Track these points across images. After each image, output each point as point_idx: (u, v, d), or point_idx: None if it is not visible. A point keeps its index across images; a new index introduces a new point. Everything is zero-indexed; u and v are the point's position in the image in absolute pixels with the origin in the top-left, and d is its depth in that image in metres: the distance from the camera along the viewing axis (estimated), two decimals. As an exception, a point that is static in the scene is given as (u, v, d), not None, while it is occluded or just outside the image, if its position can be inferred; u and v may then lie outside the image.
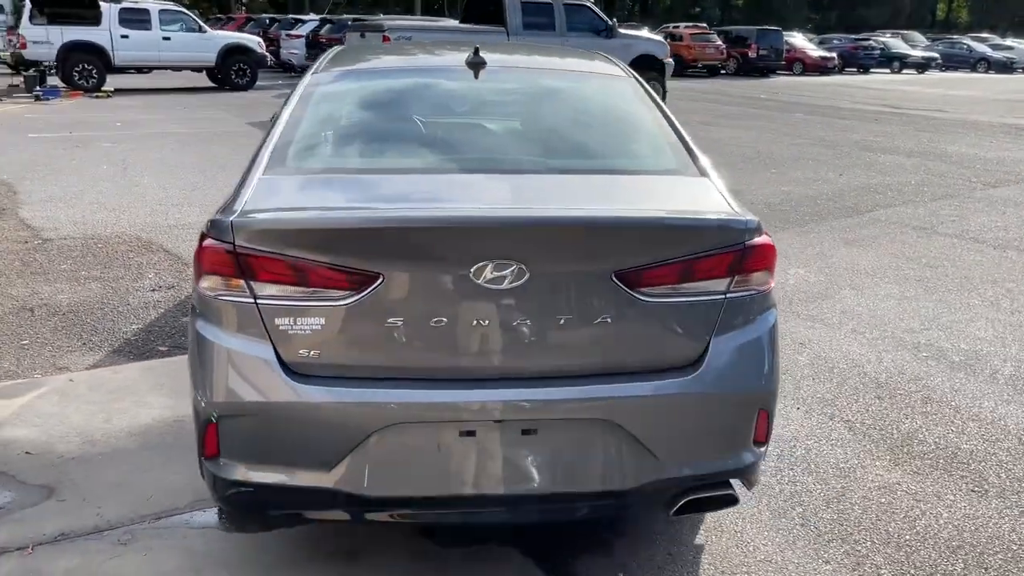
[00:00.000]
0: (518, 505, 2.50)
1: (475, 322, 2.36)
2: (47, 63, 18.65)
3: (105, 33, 19.28)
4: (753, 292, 2.56)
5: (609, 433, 2.43)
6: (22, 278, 5.75)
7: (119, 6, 19.68)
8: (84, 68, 18.68)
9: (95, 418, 3.72)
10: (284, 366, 2.38)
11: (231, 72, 20.80)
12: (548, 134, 3.22)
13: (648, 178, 2.88)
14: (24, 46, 18.53)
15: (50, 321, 4.98)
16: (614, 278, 2.40)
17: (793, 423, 3.95)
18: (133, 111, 15.25)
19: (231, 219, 2.37)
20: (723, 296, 2.51)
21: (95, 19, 19.26)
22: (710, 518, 3.13)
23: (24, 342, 4.68)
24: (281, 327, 2.37)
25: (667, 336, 2.47)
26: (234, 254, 2.36)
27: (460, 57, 3.40)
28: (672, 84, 19.52)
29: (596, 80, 3.60)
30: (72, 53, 18.68)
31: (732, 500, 2.65)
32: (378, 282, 2.33)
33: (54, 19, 18.84)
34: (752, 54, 32.44)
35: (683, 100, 20.11)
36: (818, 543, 3.04)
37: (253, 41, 21.92)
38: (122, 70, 20.10)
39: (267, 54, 22.52)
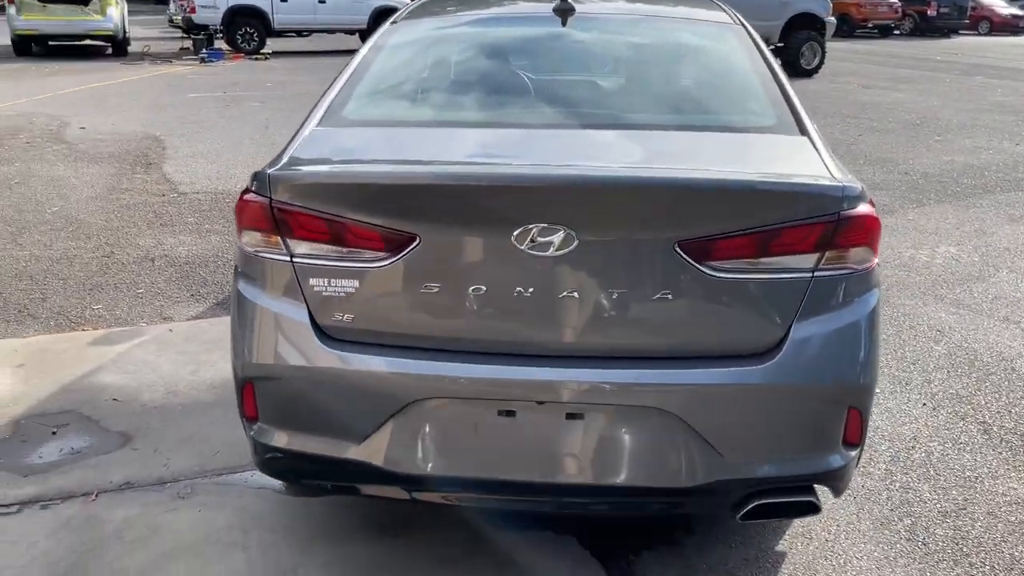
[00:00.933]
0: (558, 495, 2.27)
1: (517, 292, 2.13)
2: (214, 27, 19.60)
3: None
4: (848, 271, 2.20)
5: (665, 424, 2.15)
6: (151, 229, 5.99)
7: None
8: (247, 31, 19.51)
9: (183, 369, 3.77)
10: (318, 329, 2.25)
11: (382, 34, 21.15)
12: (631, 86, 2.92)
13: (737, 136, 2.54)
14: (193, 11, 19.52)
15: (166, 271, 5.15)
16: (677, 249, 2.11)
17: (916, 421, 3.49)
18: (284, 73, 15.78)
19: (268, 172, 2.25)
20: (810, 274, 2.16)
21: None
22: (797, 522, 2.79)
23: (139, 290, 4.85)
24: (316, 288, 2.23)
25: (739, 318, 2.16)
26: (270, 208, 2.24)
27: (548, 4, 3.14)
28: (836, 45, 18.25)
29: (696, 28, 3.24)
30: (236, 17, 19.52)
31: (813, 508, 2.32)
32: (414, 244, 2.15)
33: None
34: (931, 12, 29.77)
35: (844, 61, 18.76)
36: (926, 562, 2.65)
37: (403, 3, 22.21)
38: (281, 33, 20.86)
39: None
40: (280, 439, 2.34)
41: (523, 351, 2.18)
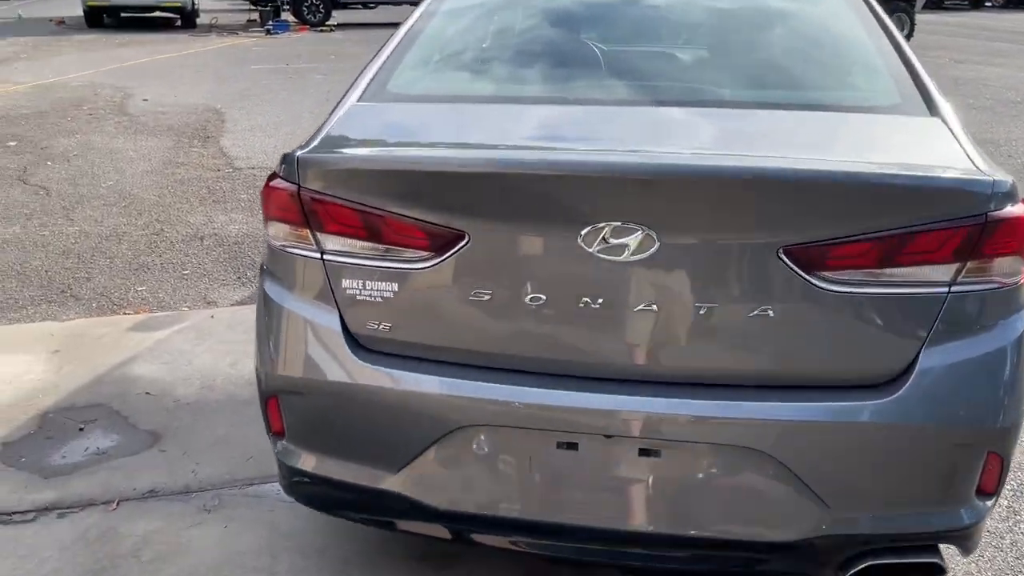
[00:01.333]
0: (623, 545, 1.92)
1: (583, 303, 1.78)
2: (280, -2, 19.50)
3: (332, -32, 19.80)
4: (993, 286, 1.78)
5: (758, 465, 1.78)
6: (203, 206, 5.79)
7: (345, -59, 20.14)
8: (312, 3, 19.33)
9: (222, 361, 3.52)
10: (351, 338, 1.93)
11: (450, 5, 20.78)
12: (723, 58, 2.50)
13: (854, 116, 2.12)
14: (260, -18, 19.44)
15: (214, 251, 4.93)
16: (782, 255, 1.72)
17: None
18: (349, 45, 15.54)
19: (298, 154, 1.93)
20: (945, 289, 1.76)
21: (324, -46, 19.82)
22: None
23: (185, 271, 4.64)
24: (349, 291, 1.91)
25: (855, 341, 1.77)
26: (299, 197, 1.92)
27: None
28: (924, 17, 17.24)
29: None
30: (302, -12, 19.37)
31: (937, 571, 1.92)
32: (462, 243, 1.81)
33: None
34: (1028, -18, 28.09)
35: (934, 34, 17.71)
36: (1061, 626, 2.23)
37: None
38: (346, 5, 20.64)
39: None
40: (307, 461, 2.04)
41: (589, 373, 1.83)
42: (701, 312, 1.76)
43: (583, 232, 1.73)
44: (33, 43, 15.08)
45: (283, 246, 2.00)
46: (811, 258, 1.73)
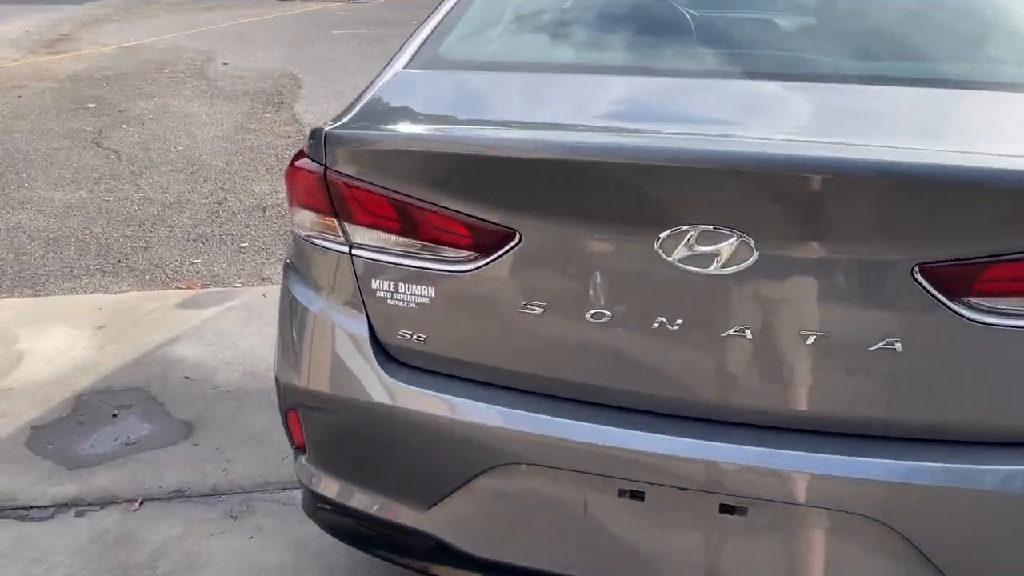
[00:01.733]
0: None
1: (658, 323, 1.43)
2: (367, -38, 19.31)
3: (421, -69, 19.51)
4: None
5: (875, 540, 1.41)
6: (269, 175, 5.60)
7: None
8: (400, -33, 19.08)
9: (268, 345, 3.29)
10: (380, 349, 1.64)
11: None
12: (852, 21, 2.06)
13: (1013, 96, 1.69)
14: (348, -55, 19.28)
15: (276, 223, 4.72)
16: (918, 275, 1.34)
17: None
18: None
19: (326, 129, 1.63)
20: None
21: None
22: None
23: (244, 244, 4.44)
24: (380, 293, 1.61)
25: (1011, 388, 1.38)
26: (325, 180, 1.62)
27: None
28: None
29: None
30: (390, -48, 19.13)
31: None
32: (513, 243, 1.48)
33: None
34: None
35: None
36: None
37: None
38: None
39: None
40: (328, 487, 1.76)
41: (664, 410, 1.49)
42: (808, 342, 1.39)
43: (662, 236, 1.39)
44: (125, 5, 15.26)
45: (308, 237, 1.71)
46: (956, 280, 1.34)
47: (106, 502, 2.43)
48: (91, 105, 7.46)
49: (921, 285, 1.34)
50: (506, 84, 1.86)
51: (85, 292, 3.85)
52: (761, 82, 1.73)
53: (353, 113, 1.71)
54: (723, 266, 1.38)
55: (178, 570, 2.18)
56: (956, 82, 1.72)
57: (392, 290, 1.60)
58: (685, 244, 1.38)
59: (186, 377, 3.07)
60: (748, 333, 1.40)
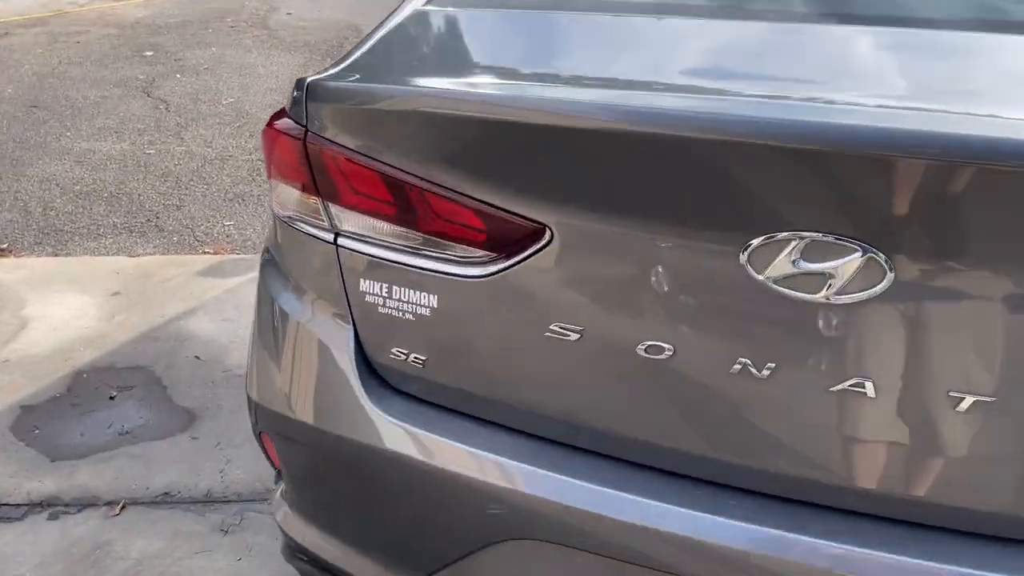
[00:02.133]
0: None
1: (738, 365, 1.01)
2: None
3: None
4: None
5: None
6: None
7: None
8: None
9: (291, 323, 2.96)
10: (367, 370, 1.26)
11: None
12: None
13: None
14: None
15: (318, 185, 4.39)
16: None
17: None
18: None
19: (309, 79, 1.24)
20: None
21: None
22: None
23: (282, 207, 4.12)
24: (370, 298, 1.23)
25: None
26: (304, 146, 1.23)
27: None
28: None
29: None
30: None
31: None
32: (543, 243, 1.07)
33: None
34: None
35: None
36: None
37: None
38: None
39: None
40: (301, 532, 1.40)
41: (742, 484, 1.07)
42: (962, 406, 0.95)
43: (752, 244, 0.96)
44: (198, -47, 15.10)
45: (287, 219, 1.33)
46: None
47: (85, 504, 2.14)
48: (148, 53, 7.24)
49: None
50: (557, 29, 1.42)
51: (107, 253, 3.59)
52: (893, 30, 1.25)
53: (350, 61, 1.31)
54: (840, 292, 0.95)
55: (152, 593, 1.88)
56: None
57: (386, 295, 1.21)
58: (786, 257, 0.95)
59: (196, 357, 2.76)
60: (870, 389, 0.97)
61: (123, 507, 2.13)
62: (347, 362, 1.26)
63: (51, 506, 2.13)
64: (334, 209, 1.24)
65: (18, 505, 2.13)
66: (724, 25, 1.33)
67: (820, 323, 0.97)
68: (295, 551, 1.44)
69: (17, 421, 2.44)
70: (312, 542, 1.38)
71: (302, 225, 1.30)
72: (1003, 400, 0.94)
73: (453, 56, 1.40)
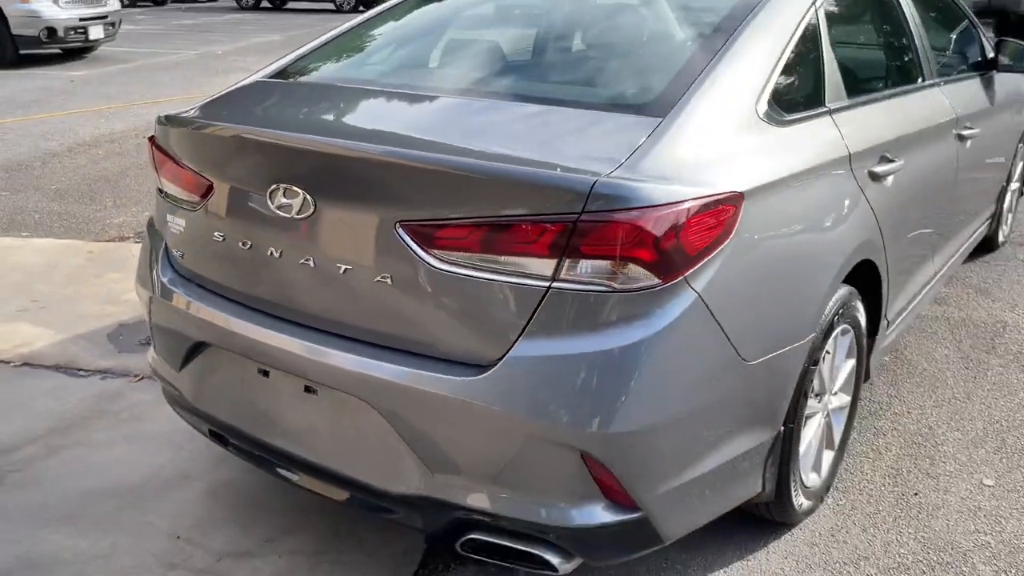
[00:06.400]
0: (299, 467, 2.20)
1: (270, 252, 2.11)
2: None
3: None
4: (600, 288, 1.76)
5: (371, 417, 1.97)
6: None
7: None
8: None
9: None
10: (167, 259, 2.46)
11: None
12: (566, 53, 2.53)
13: (583, 112, 2.09)
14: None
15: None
16: (399, 229, 1.89)
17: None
18: None
19: (159, 115, 2.49)
20: (546, 284, 1.79)
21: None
22: None
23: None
24: (170, 225, 2.44)
25: (457, 319, 1.87)
26: (152, 145, 2.48)
27: None
28: None
29: None
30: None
31: (546, 565, 1.93)
32: (212, 191, 2.24)
33: None
34: None
35: None
36: None
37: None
38: None
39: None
40: (151, 358, 2.62)
41: (276, 313, 2.16)
42: (341, 272, 1.99)
43: (270, 189, 2.06)
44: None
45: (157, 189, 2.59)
46: (422, 235, 1.87)
47: (122, 374, 3.51)
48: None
49: (400, 236, 1.88)
50: (284, 91, 2.58)
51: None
52: (407, 94, 2.33)
53: (183, 110, 2.53)
54: (298, 212, 2.02)
55: (128, 418, 3.18)
56: (567, 101, 2.16)
57: (172, 223, 2.41)
58: (280, 195, 2.04)
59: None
60: (311, 262, 2.03)
61: (140, 378, 3.48)
62: (160, 254, 2.47)
63: (104, 373, 3.52)
64: (161, 180, 2.47)
65: (89, 371, 3.55)
66: (346, 90, 2.45)
67: (293, 230, 2.05)
68: (154, 374, 2.65)
69: (114, 331, 3.91)
70: (153, 361, 2.59)
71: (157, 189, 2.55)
72: (355, 268, 1.96)
73: (230, 105, 2.56)
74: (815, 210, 2.22)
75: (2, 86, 10.44)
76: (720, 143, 1.99)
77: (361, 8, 22.07)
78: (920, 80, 3.11)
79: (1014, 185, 4.80)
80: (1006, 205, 4.68)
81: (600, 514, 1.86)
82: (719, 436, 2.00)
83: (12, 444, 3.00)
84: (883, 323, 2.81)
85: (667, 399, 1.83)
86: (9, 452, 2.95)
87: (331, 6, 23.58)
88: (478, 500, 1.92)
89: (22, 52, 11.91)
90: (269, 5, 24.84)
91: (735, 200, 1.89)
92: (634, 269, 1.75)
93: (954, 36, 3.88)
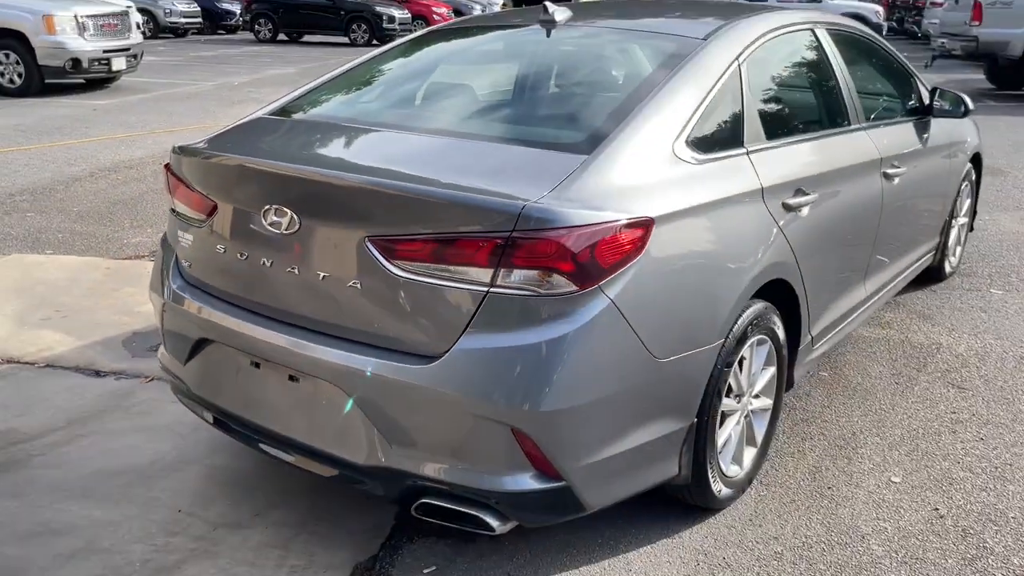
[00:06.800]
0: (285, 445, 2.59)
1: (262, 262, 2.52)
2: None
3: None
4: (528, 293, 2.17)
5: (341, 398, 2.37)
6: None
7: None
8: None
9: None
10: (177, 268, 2.87)
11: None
12: (509, 97, 2.99)
13: (522, 149, 2.52)
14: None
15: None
16: (367, 243, 2.30)
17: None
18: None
19: (174, 145, 2.92)
20: (485, 288, 2.19)
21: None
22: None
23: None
24: (180, 240, 2.85)
25: (413, 317, 2.27)
26: (168, 172, 2.90)
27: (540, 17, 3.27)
28: None
29: (650, 42, 3.06)
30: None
31: (484, 525, 2.31)
32: (216, 211, 2.65)
33: None
34: None
35: None
36: None
37: (870, 10, 20.81)
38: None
39: (884, 23, 21.13)
40: (161, 355, 3.02)
41: (267, 314, 2.56)
42: (320, 278, 2.39)
43: (261, 211, 2.47)
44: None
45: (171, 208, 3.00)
46: (386, 248, 2.27)
47: (135, 375, 3.91)
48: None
49: (368, 249, 2.29)
50: (290, 125, 3.01)
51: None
52: (408, 134, 2.74)
53: (194, 142, 2.97)
54: (286, 229, 2.43)
55: (139, 412, 3.57)
56: (509, 140, 2.60)
57: (183, 238, 2.83)
58: (272, 214, 2.45)
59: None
60: (295, 270, 2.43)
61: (151, 379, 3.87)
62: (171, 265, 2.88)
63: (119, 374, 3.93)
64: (174, 201, 2.89)
65: (105, 372, 3.95)
66: (336, 127, 2.87)
67: (282, 242, 2.45)
68: (162, 369, 3.05)
69: (128, 338, 4.32)
70: (163, 358, 2.99)
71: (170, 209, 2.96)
72: (331, 275, 2.36)
73: (237, 140, 2.99)
74: (725, 234, 2.61)
75: (28, 114, 11.00)
76: (637, 177, 2.39)
77: (374, 42, 22.80)
78: (843, 124, 3.52)
79: (961, 220, 5.18)
80: (952, 239, 5.05)
81: (529, 482, 2.24)
82: (634, 421, 2.38)
83: (37, 432, 3.40)
84: (806, 338, 3.18)
85: (585, 386, 2.21)
86: (35, 438, 3.35)
87: (345, 40, 24.31)
88: (428, 469, 2.30)
89: (47, 81, 12.51)
90: (286, 38, 25.62)
91: (646, 224, 2.29)
92: (556, 278, 2.15)
93: (888, 85, 4.29)
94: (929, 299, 4.92)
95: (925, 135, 4.22)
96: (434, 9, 28.04)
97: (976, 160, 5.13)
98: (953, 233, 5.04)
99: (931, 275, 5.01)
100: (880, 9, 21.14)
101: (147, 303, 4.62)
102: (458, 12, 28.17)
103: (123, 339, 4.31)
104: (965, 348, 4.26)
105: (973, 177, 5.16)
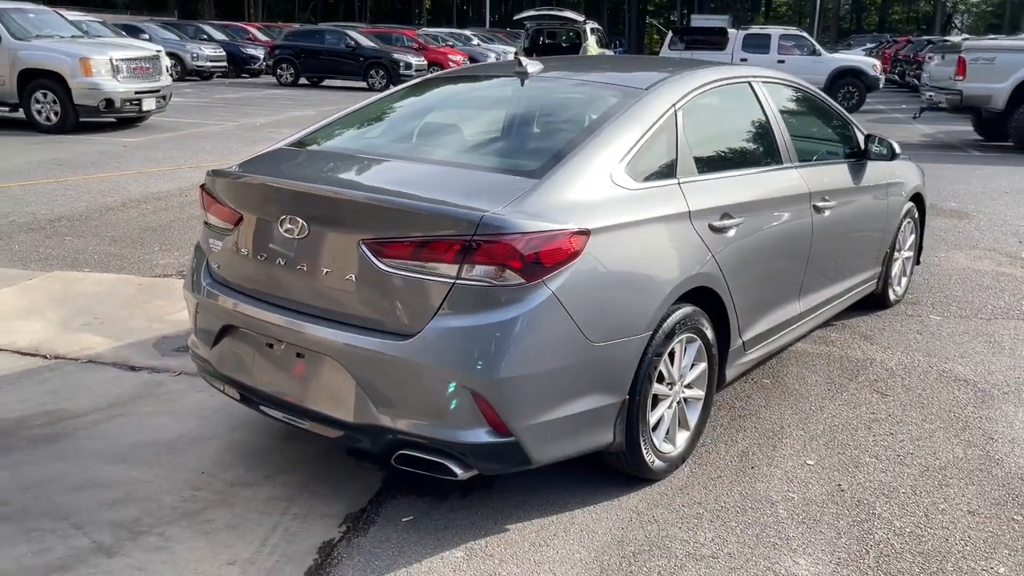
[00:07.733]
0: (295, 411, 3.15)
1: (277, 261, 3.12)
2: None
3: (728, 57, 21.28)
4: (485, 284, 2.75)
5: (340, 371, 2.94)
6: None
7: (745, 32, 21.57)
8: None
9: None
10: (207, 269, 3.49)
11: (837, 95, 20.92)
12: (485, 133, 3.64)
13: (483, 173, 3.18)
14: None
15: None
16: (361, 245, 2.90)
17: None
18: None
19: (208, 169, 3.55)
20: (452, 280, 2.77)
21: (721, 45, 21.47)
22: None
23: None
24: (211, 245, 3.47)
25: (397, 303, 2.86)
26: (202, 191, 3.53)
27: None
28: None
29: (602, 91, 3.69)
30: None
31: (448, 472, 2.86)
32: (241, 221, 3.26)
33: (690, 45, 21.66)
34: None
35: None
36: None
37: (868, 64, 21.57)
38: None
39: (881, 76, 21.87)
40: (190, 340, 3.62)
41: (280, 303, 3.16)
42: (324, 274, 2.99)
43: (278, 220, 3.08)
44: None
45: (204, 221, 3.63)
46: (376, 249, 2.87)
47: (164, 370, 4.51)
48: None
49: (362, 249, 2.88)
50: (308, 153, 3.64)
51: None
52: (395, 160, 3.37)
53: (225, 167, 3.60)
54: (299, 234, 3.04)
55: (168, 399, 4.16)
56: (474, 166, 3.24)
57: (212, 242, 3.44)
58: (288, 223, 3.06)
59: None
60: (305, 267, 3.04)
61: (179, 374, 4.47)
62: (202, 267, 3.49)
63: (150, 369, 4.52)
64: (207, 214, 3.51)
65: (139, 367, 4.55)
66: (348, 154, 3.50)
67: (294, 245, 3.06)
68: (192, 355, 3.64)
69: (159, 340, 4.92)
70: (192, 344, 3.59)
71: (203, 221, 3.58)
72: (334, 270, 2.97)
73: (267, 163, 3.64)
74: (653, 246, 3.20)
75: (64, 149, 11.79)
76: (579, 197, 2.99)
77: (391, 87, 23.73)
78: (774, 163, 4.11)
79: (906, 254, 5.74)
80: (896, 270, 5.61)
81: (485, 436, 2.80)
82: (573, 391, 2.94)
83: (83, 412, 3.99)
84: (736, 341, 3.74)
85: (531, 359, 2.79)
86: (81, 416, 3.94)
87: (364, 84, 25.30)
88: (406, 425, 2.87)
89: (81, 119, 13.34)
90: (307, 82, 26.66)
91: (583, 233, 2.88)
92: (508, 273, 2.74)
93: (826, 131, 4.90)
94: (873, 323, 5.47)
95: (859, 174, 4.81)
96: (450, 57, 29.12)
97: (918, 199, 5.71)
98: (897, 265, 5.60)
99: (877, 302, 5.56)
100: (877, 63, 21.87)
101: (175, 313, 5.26)
102: (473, 59, 29.18)
103: (154, 341, 4.92)
104: (896, 363, 4.80)
105: (916, 215, 5.74)
